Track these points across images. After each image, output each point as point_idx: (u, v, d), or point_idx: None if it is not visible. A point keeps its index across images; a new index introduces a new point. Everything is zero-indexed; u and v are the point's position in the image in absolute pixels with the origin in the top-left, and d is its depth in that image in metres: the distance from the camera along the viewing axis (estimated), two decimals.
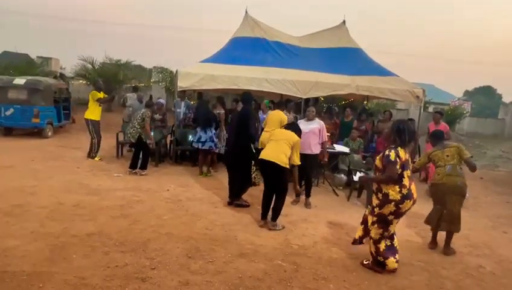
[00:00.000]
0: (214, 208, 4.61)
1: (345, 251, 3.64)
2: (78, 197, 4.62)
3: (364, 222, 3.29)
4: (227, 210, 4.56)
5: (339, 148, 6.35)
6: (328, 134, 7.06)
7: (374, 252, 3.18)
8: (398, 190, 2.96)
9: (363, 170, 5.67)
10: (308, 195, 5.07)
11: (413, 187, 3.04)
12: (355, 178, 5.62)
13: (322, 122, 5.16)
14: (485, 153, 13.70)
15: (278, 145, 4.04)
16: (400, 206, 2.97)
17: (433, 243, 3.90)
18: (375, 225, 3.12)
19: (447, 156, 3.85)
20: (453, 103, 24.53)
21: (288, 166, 4.01)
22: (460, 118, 19.98)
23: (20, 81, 9.28)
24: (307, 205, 4.99)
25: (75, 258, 3.02)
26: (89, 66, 16.62)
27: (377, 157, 3.18)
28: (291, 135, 4.12)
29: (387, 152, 3.01)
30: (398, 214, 3.02)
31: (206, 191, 5.31)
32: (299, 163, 4.19)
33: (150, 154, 6.35)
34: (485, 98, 40.24)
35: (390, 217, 3.04)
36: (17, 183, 4.98)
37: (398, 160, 2.94)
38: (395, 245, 3.20)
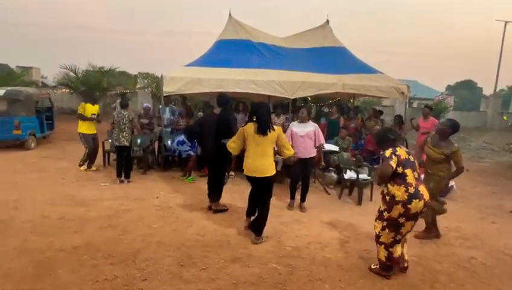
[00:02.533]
0: (204, 214, 4.53)
1: (338, 250, 3.62)
2: (64, 209, 4.48)
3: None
4: (218, 215, 4.49)
5: (328, 146, 6.36)
6: None
7: (384, 258, 3.04)
8: (404, 189, 2.86)
9: (353, 168, 5.69)
10: (303, 200, 4.93)
11: (422, 188, 2.93)
12: (346, 176, 5.64)
13: (316, 125, 4.95)
14: (470, 145, 14.03)
15: (261, 150, 3.63)
16: (408, 206, 2.84)
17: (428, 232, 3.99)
18: (386, 230, 2.99)
19: (439, 156, 3.87)
20: (436, 97, 25.08)
21: (275, 171, 3.77)
22: (444, 112, 20.42)
23: None
24: (302, 209, 4.84)
25: (61, 273, 2.91)
26: (72, 74, 16.25)
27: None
28: (274, 130, 3.71)
29: (384, 150, 3.03)
30: (408, 215, 2.88)
31: (196, 197, 5.22)
32: (292, 152, 3.93)
33: (131, 161, 6.24)
34: (466, 92, 41.27)
35: (401, 220, 2.91)
36: None
37: (393, 157, 2.90)
38: (404, 252, 3.12)
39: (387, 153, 2.94)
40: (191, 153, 6.29)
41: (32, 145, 9.15)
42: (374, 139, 3.35)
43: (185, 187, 5.81)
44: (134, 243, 3.53)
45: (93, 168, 6.79)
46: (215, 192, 4.64)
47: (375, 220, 3.09)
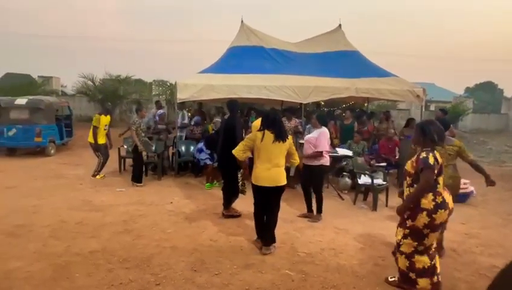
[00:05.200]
0: (218, 219, 4.55)
1: (353, 257, 3.55)
2: (81, 214, 4.59)
3: None
4: (231, 221, 4.49)
5: (342, 151, 6.29)
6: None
7: (405, 268, 2.81)
8: (431, 198, 2.62)
9: (368, 173, 5.59)
10: (319, 211, 4.65)
11: (446, 196, 2.70)
12: (360, 181, 5.55)
13: (321, 131, 4.61)
14: (491, 149, 13.54)
15: (274, 159, 3.54)
16: (434, 216, 2.61)
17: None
18: (408, 238, 2.77)
19: (449, 154, 3.66)
20: (454, 99, 24.42)
21: (286, 181, 3.67)
22: (463, 115, 19.83)
23: (21, 101, 9.36)
24: (316, 219, 4.59)
25: (78, 277, 2.97)
26: (90, 82, 16.76)
27: (408, 162, 2.84)
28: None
29: (424, 154, 2.66)
30: (433, 226, 2.65)
31: (209, 202, 5.25)
32: (298, 161, 3.90)
33: (141, 166, 6.35)
34: (486, 94, 40.02)
35: (426, 231, 2.67)
36: (20, 203, 4.96)
37: (436, 164, 2.62)
38: (436, 265, 2.81)
39: (431, 159, 2.62)
40: (207, 161, 6.34)
41: (52, 152, 9.46)
42: (414, 133, 2.93)
43: (199, 193, 5.85)
44: (148, 248, 3.58)
45: (101, 175, 6.86)
46: (224, 198, 4.67)
47: (397, 227, 2.89)
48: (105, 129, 6.96)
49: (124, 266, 3.18)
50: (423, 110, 7.56)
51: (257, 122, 4.40)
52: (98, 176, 6.82)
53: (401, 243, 2.82)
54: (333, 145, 4.83)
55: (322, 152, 4.50)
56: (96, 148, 6.89)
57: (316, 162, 4.56)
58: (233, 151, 3.74)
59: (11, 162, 8.50)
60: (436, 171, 2.64)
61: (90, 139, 6.90)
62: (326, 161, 4.65)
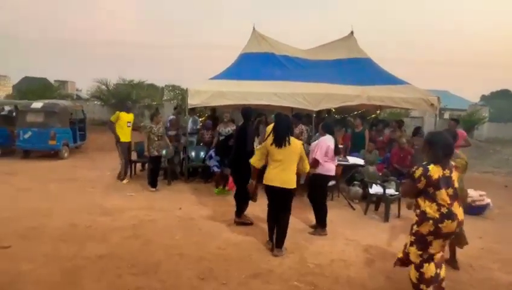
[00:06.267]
0: (226, 227, 4.52)
1: (363, 269, 3.47)
2: (92, 217, 4.63)
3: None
4: (240, 228, 4.46)
5: (353, 160, 6.19)
6: (341, 146, 6.93)
7: (416, 280, 2.79)
8: (436, 208, 2.64)
9: (379, 183, 5.48)
10: (319, 222, 4.43)
11: (456, 206, 2.67)
12: (371, 191, 5.44)
13: (321, 139, 4.52)
14: (508, 160, 13.15)
15: (285, 162, 3.64)
16: (440, 225, 2.62)
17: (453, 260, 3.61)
18: (414, 246, 2.78)
19: (457, 167, 3.57)
20: (470, 108, 23.89)
21: (295, 185, 3.72)
22: (478, 124, 19.37)
23: (37, 104, 9.61)
24: (318, 233, 4.38)
25: (86, 282, 2.98)
26: (104, 87, 17.11)
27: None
28: (295, 143, 3.71)
29: (414, 168, 2.74)
30: (438, 234, 2.65)
31: (218, 209, 5.23)
32: (307, 169, 3.89)
33: (157, 171, 6.41)
34: (503, 102, 39.04)
35: (430, 238, 2.69)
36: (33, 205, 5.05)
37: (422, 179, 2.65)
38: (441, 275, 2.81)
39: (417, 173, 2.68)
40: (215, 169, 6.34)
41: (66, 155, 9.64)
42: (423, 144, 2.90)
43: (208, 199, 5.84)
44: (156, 254, 3.57)
45: (125, 181, 6.85)
46: (237, 205, 4.64)
47: (409, 235, 2.89)
48: (128, 126, 6.93)
49: (131, 271, 3.18)
50: (437, 118, 7.41)
51: (270, 127, 4.45)
52: (124, 181, 6.82)
53: (408, 251, 2.83)
54: (337, 152, 4.53)
55: (317, 160, 4.37)
56: (121, 146, 6.84)
57: (316, 171, 4.42)
58: (251, 161, 3.88)
59: (25, 164, 8.69)
60: (423, 185, 2.65)
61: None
62: (325, 169, 4.41)
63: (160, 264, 3.35)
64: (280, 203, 3.75)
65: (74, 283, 2.95)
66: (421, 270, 2.75)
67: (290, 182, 3.66)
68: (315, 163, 4.37)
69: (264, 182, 3.76)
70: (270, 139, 3.75)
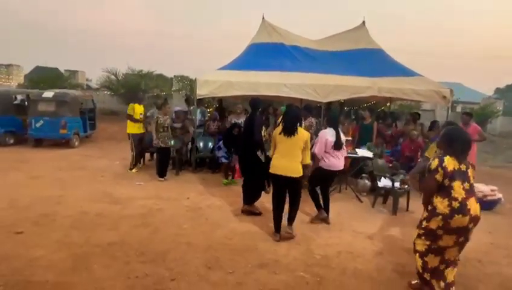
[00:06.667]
0: (233, 217, 4.55)
1: (371, 262, 3.46)
2: (101, 206, 4.71)
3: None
4: (247, 218, 4.48)
5: (362, 152, 6.13)
6: (349, 138, 6.86)
7: (420, 268, 2.82)
8: (446, 203, 2.62)
9: (388, 175, 5.42)
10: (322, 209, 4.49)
11: (471, 201, 2.62)
12: (380, 184, 5.39)
13: (323, 132, 4.49)
14: None
15: (289, 151, 3.74)
16: (449, 221, 2.60)
17: None
18: (422, 237, 2.78)
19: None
20: (483, 101, 23.35)
21: (302, 173, 3.79)
22: (492, 118, 18.95)
23: (48, 94, 9.73)
24: (316, 219, 4.48)
25: (96, 268, 3.04)
26: (113, 77, 17.21)
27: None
28: (302, 133, 3.77)
29: (431, 160, 2.75)
30: (448, 229, 2.63)
31: (225, 199, 5.26)
32: (309, 161, 3.92)
33: (163, 162, 6.44)
34: None
35: (440, 232, 2.67)
36: (45, 193, 5.16)
37: (440, 170, 2.64)
38: (448, 278, 2.77)
39: (433, 165, 2.67)
40: (223, 160, 6.35)
41: (76, 144, 9.79)
42: (440, 137, 2.92)
43: (215, 189, 5.88)
44: (164, 243, 3.62)
45: (134, 170, 6.93)
46: (246, 195, 4.66)
47: (416, 228, 2.90)
48: (140, 118, 6.94)
49: (140, 259, 3.24)
50: (449, 111, 7.25)
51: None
52: (133, 170, 6.89)
53: (415, 242, 2.84)
54: (338, 146, 4.38)
55: (313, 154, 4.32)
56: (132, 138, 6.88)
57: (318, 164, 4.42)
58: (270, 154, 4.00)
59: (37, 152, 8.86)
60: (441, 176, 2.63)
61: (129, 130, 6.91)
62: (326, 165, 4.37)
63: (168, 252, 3.40)
64: (289, 192, 3.84)
65: (85, 269, 3.02)
66: (425, 259, 2.78)
67: (296, 171, 3.73)
68: (312, 157, 4.33)
69: (270, 170, 3.84)
70: (279, 128, 3.84)
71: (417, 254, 2.83)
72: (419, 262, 2.82)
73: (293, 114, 3.87)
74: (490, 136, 15.23)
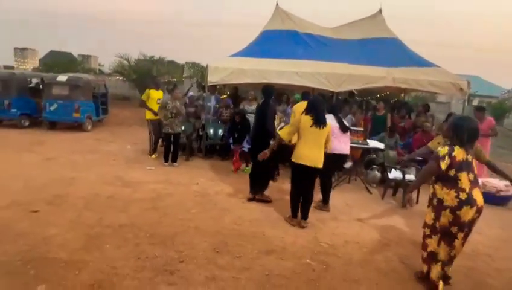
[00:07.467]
0: (242, 203, 4.59)
1: (378, 252, 3.46)
2: (113, 188, 4.81)
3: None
4: (255, 205, 4.52)
5: (373, 143, 6.06)
6: (361, 129, 6.77)
7: (422, 248, 2.87)
8: (454, 194, 2.58)
9: (399, 168, 5.36)
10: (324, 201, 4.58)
11: (476, 192, 2.61)
12: (390, 176, 5.34)
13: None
14: None
15: (317, 142, 3.80)
16: (458, 213, 2.57)
17: None
18: (432, 237, 2.75)
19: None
20: (502, 95, 22.66)
21: (322, 165, 3.88)
22: (510, 112, 18.41)
23: (62, 78, 9.85)
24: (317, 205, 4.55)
25: (108, 248, 3.13)
26: (125, 62, 17.30)
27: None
28: (327, 124, 3.89)
29: (439, 147, 2.71)
30: (459, 223, 2.59)
31: (234, 186, 5.30)
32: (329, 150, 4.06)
33: (169, 147, 6.43)
34: None
35: (454, 229, 2.62)
36: (58, 174, 5.29)
37: (447, 158, 2.60)
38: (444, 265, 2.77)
39: (442, 152, 2.64)
40: (231, 146, 6.36)
41: (89, 127, 9.95)
42: (445, 128, 2.91)
43: (225, 176, 5.92)
44: (173, 226, 3.69)
45: (154, 155, 6.93)
46: (255, 183, 4.68)
47: (424, 227, 2.86)
48: (158, 104, 6.81)
49: (150, 241, 3.31)
50: (465, 104, 7.06)
51: (299, 107, 4.76)
52: (153, 155, 6.93)
53: (427, 243, 2.80)
54: (343, 129, 4.59)
55: None
56: (151, 124, 6.91)
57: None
58: (280, 132, 4.03)
59: (52, 135, 9.05)
60: (445, 165, 2.60)
61: (148, 116, 6.93)
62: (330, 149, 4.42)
63: (176, 235, 3.47)
64: (308, 180, 3.90)
65: (97, 248, 3.11)
66: (426, 241, 2.81)
67: (319, 162, 3.83)
68: None
69: (294, 160, 3.85)
70: (309, 120, 3.81)
71: (422, 236, 2.83)
72: (422, 243, 2.84)
73: (322, 106, 3.90)
74: (506, 131, 14.83)
